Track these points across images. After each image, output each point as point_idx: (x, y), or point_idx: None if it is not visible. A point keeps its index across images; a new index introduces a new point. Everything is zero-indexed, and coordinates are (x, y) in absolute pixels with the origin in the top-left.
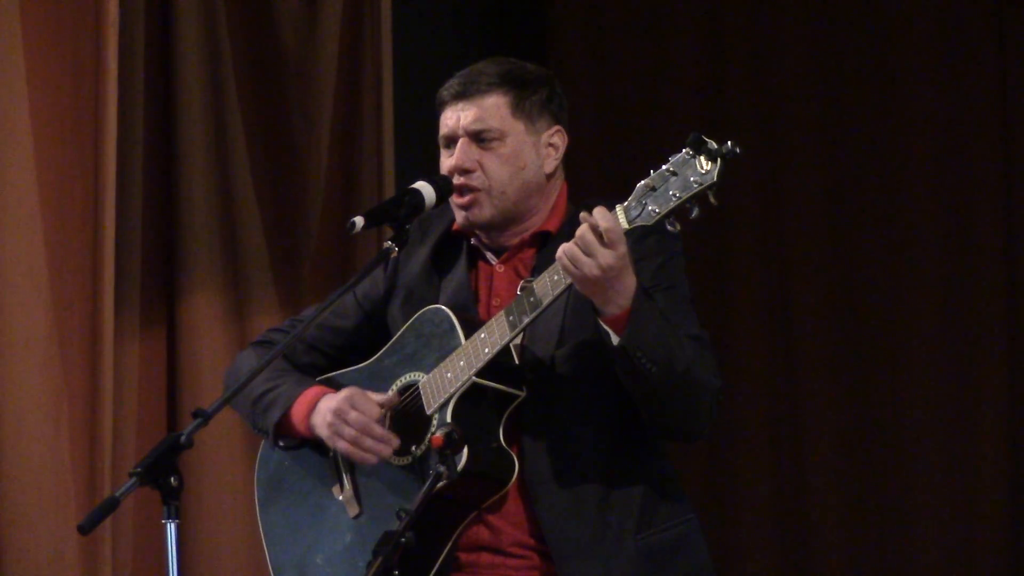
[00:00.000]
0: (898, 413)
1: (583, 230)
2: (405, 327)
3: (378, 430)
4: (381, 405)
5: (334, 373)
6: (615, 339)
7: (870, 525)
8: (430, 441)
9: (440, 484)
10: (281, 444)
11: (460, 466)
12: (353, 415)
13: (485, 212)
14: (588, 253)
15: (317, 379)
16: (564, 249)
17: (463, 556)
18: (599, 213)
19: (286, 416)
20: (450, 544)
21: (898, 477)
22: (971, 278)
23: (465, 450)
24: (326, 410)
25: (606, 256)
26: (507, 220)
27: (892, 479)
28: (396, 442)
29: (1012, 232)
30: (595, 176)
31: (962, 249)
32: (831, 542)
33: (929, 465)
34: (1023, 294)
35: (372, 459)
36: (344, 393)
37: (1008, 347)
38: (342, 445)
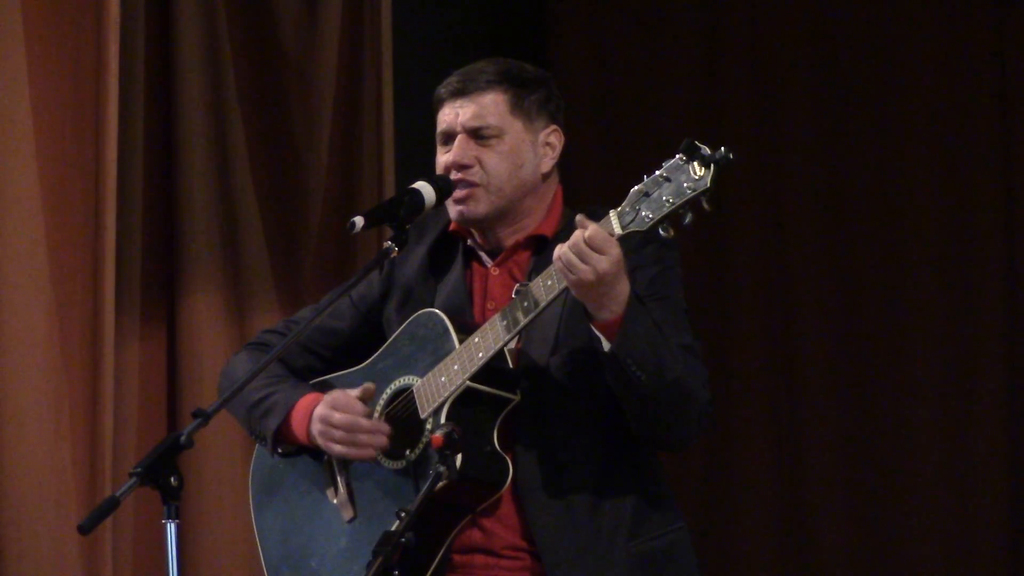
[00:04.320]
0: (898, 418)
1: (577, 237)
2: (399, 330)
3: (366, 423)
4: (361, 399)
5: (328, 376)
6: (606, 345)
7: (870, 530)
8: (429, 441)
9: (440, 484)
10: (280, 451)
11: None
12: (337, 416)
13: (480, 207)
14: (584, 260)
15: (312, 383)
16: (560, 254)
17: (456, 558)
18: (591, 227)
19: (284, 424)
20: (444, 548)
21: (898, 482)
22: (971, 281)
23: (459, 455)
24: (316, 418)
25: (602, 262)
26: (502, 217)
27: (892, 484)
28: (387, 428)
29: (1012, 235)
30: (593, 177)
31: (962, 252)
32: (831, 547)
33: (929, 469)
34: (1023, 297)
35: (370, 453)
36: (325, 398)
37: (1008, 350)
38: (337, 448)
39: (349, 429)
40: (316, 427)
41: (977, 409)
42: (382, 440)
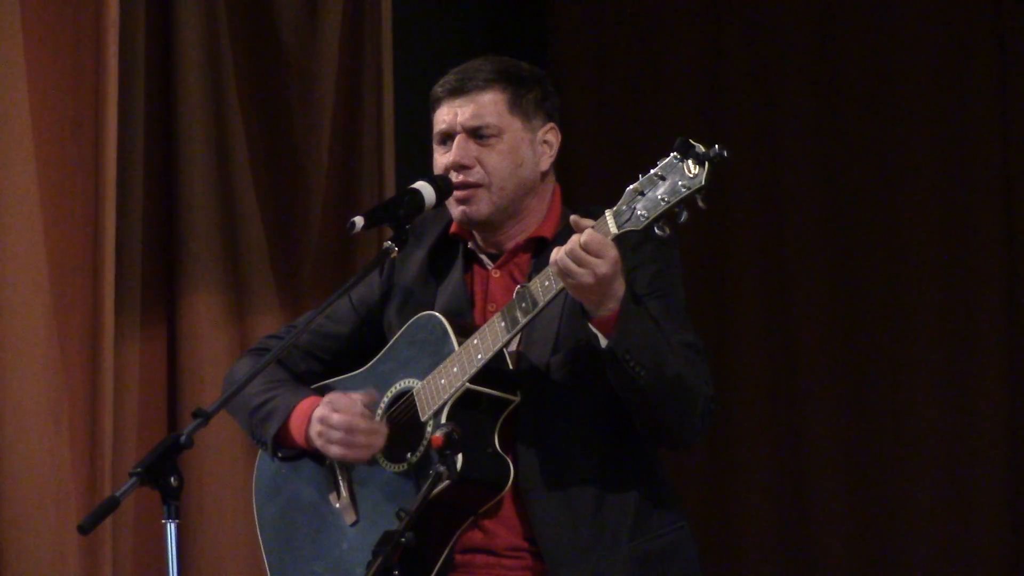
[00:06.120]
0: (898, 418)
1: (574, 243)
2: (399, 333)
3: (364, 424)
4: (362, 402)
5: (329, 380)
6: (604, 342)
7: (870, 529)
8: (429, 442)
9: (441, 484)
10: (280, 455)
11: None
12: (336, 417)
13: (483, 208)
14: (582, 265)
15: (313, 387)
16: (557, 259)
17: (458, 557)
18: (586, 231)
19: (284, 428)
20: (447, 550)
21: (899, 480)
22: (971, 282)
23: (460, 456)
24: (315, 419)
25: (600, 266)
26: (504, 217)
27: (892, 482)
28: (385, 429)
29: (1012, 236)
30: (594, 177)
31: (962, 253)
32: (831, 547)
33: (929, 470)
34: (1023, 298)
35: (365, 454)
36: (325, 399)
37: (1008, 351)
38: (335, 450)
39: (347, 430)
40: (315, 428)
41: (978, 408)
42: (380, 441)
